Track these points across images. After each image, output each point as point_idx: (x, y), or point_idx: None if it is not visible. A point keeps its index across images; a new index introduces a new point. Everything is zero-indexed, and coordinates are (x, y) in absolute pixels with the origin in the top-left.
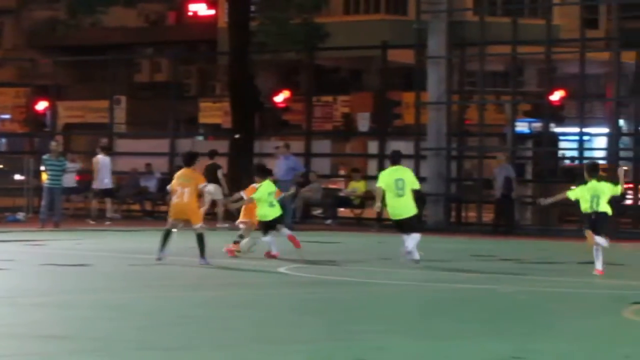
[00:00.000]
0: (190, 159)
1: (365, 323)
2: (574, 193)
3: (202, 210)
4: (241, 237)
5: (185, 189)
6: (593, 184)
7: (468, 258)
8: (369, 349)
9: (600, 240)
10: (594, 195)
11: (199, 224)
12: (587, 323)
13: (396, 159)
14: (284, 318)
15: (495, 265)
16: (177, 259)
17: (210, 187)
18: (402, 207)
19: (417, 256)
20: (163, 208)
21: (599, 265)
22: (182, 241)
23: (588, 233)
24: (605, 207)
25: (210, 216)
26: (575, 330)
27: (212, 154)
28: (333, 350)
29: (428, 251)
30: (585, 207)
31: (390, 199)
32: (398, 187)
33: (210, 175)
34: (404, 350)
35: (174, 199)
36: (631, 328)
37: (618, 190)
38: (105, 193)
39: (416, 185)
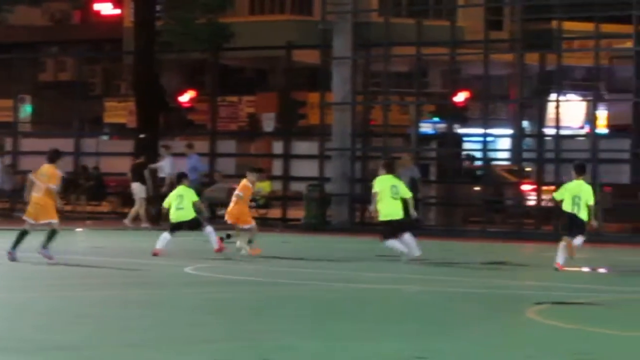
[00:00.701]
0: (53, 157)
1: (269, 323)
2: (560, 194)
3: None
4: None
5: (43, 185)
6: (578, 183)
7: (373, 258)
8: (273, 349)
9: (577, 241)
10: (575, 196)
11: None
12: (490, 323)
13: (391, 168)
14: (186, 318)
15: (399, 266)
16: (82, 258)
17: (135, 186)
18: (395, 209)
19: (417, 252)
20: (67, 207)
21: (560, 260)
22: (88, 240)
23: (567, 241)
24: (584, 211)
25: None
26: (479, 330)
27: (139, 153)
28: (236, 350)
29: (333, 251)
30: (567, 207)
31: (384, 202)
32: (393, 192)
33: (137, 174)
34: (308, 350)
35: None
36: (534, 328)
37: (591, 199)
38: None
39: (408, 194)
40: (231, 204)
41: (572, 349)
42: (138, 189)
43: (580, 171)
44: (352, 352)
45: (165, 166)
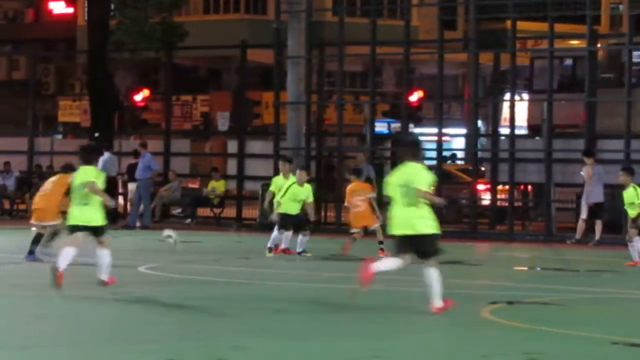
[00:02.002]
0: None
1: (223, 322)
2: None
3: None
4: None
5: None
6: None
7: (327, 257)
8: (227, 348)
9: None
10: None
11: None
12: (445, 322)
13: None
14: (139, 317)
15: (355, 265)
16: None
17: (132, 186)
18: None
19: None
20: (22, 206)
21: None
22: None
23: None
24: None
25: None
26: (434, 329)
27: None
28: (189, 350)
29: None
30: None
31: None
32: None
33: (132, 174)
34: (263, 350)
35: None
36: (488, 328)
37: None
38: None
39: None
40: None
41: (526, 348)
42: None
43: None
44: (306, 351)
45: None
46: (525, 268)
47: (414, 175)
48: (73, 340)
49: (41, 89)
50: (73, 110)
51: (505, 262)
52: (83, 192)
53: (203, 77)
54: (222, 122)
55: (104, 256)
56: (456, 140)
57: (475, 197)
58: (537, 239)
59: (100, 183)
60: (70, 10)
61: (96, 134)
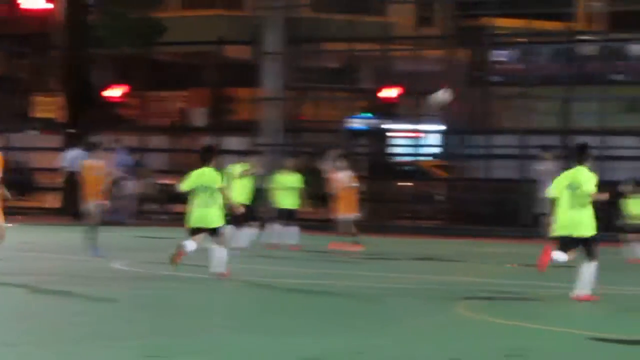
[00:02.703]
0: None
1: (199, 318)
2: None
3: None
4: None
5: None
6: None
7: (304, 256)
8: (206, 344)
9: None
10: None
11: None
12: (421, 318)
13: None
14: (115, 313)
15: (327, 262)
16: (14, 254)
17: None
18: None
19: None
20: None
21: None
22: (18, 236)
23: None
24: None
25: None
26: (409, 326)
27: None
28: (166, 346)
29: (258, 246)
30: None
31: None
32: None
33: None
34: (241, 347)
35: None
36: (464, 323)
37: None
38: None
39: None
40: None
41: (501, 344)
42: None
43: None
44: (285, 347)
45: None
46: (503, 264)
47: (581, 178)
48: (50, 337)
49: (16, 84)
50: (48, 106)
51: (483, 258)
52: (207, 194)
53: (180, 73)
54: (199, 118)
55: (221, 251)
56: (432, 136)
57: (452, 193)
58: (515, 234)
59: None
60: (49, 5)
61: (71, 130)
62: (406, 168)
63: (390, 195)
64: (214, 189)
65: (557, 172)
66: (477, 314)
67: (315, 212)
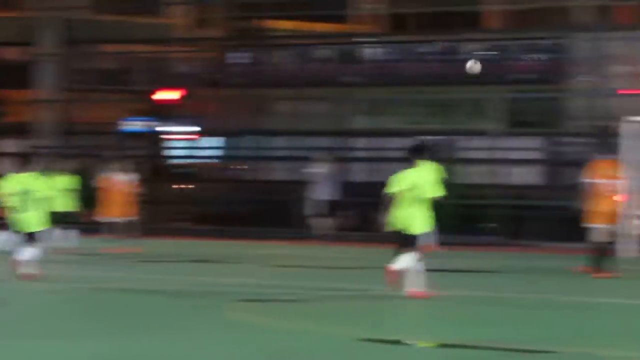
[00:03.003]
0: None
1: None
2: None
3: None
4: None
5: None
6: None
7: (81, 259)
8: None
9: None
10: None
11: None
12: (191, 321)
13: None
14: None
15: (103, 265)
16: None
17: None
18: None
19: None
20: None
21: None
22: None
23: None
24: None
25: None
26: (178, 328)
27: None
28: None
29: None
30: None
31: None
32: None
33: None
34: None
35: None
36: (233, 327)
37: None
38: None
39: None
40: None
41: (267, 346)
42: None
43: None
44: (46, 351)
45: None
46: (276, 266)
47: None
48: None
49: None
50: None
51: (258, 259)
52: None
53: None
54: None
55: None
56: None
57: (230, 195)
58: (294, 236)
59: None
60: None
61: None
62: (185, 170)
63: (168, 198)
64: None
65: (334, 174)
66: (248, 316)
67: (88, 214)
